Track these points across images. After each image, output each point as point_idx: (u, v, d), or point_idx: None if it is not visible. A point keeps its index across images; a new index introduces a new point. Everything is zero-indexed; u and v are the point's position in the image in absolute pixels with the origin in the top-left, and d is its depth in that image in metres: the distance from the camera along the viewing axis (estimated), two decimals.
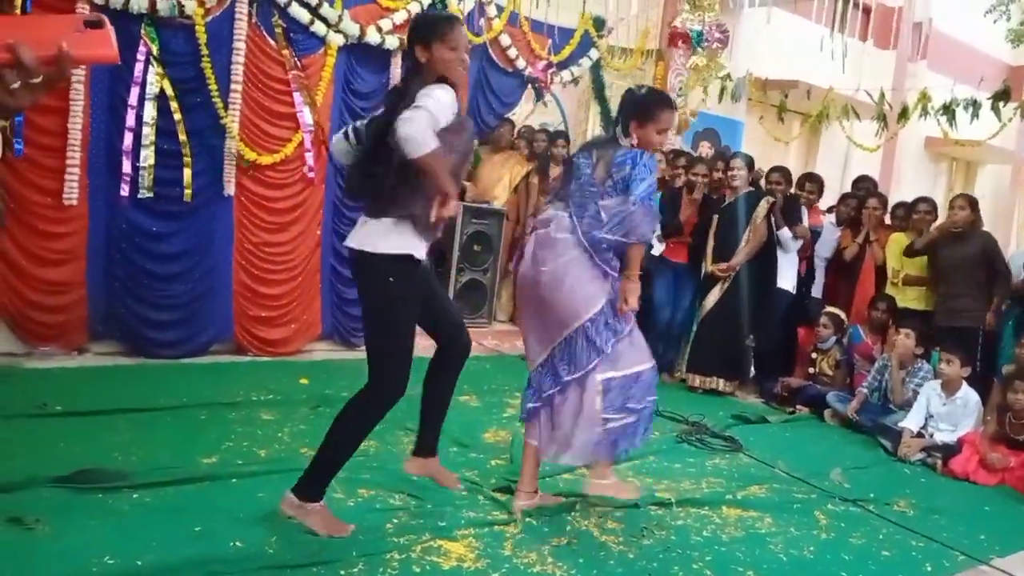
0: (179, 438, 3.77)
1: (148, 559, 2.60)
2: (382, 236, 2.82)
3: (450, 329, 3.17)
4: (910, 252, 5.87)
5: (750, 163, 6.15)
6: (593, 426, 3.22)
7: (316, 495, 2.91)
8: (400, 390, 2.90)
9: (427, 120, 2.61)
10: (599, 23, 7.19)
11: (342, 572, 2.67)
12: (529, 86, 6.81)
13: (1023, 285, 5.49)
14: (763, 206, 5.98)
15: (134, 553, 2.62)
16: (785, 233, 6.01)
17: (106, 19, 1.27)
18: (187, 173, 5.10)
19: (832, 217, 6.70)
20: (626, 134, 3.32)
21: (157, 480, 3.21)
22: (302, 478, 2.91)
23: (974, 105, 6.51)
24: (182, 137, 5.04)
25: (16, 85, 1.11)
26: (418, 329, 3.00)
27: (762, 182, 6.40)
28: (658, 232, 5.96)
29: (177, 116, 5.03)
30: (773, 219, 5.99)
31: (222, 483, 3.29)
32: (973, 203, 5.80)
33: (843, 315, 6.05)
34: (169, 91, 4.97)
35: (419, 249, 2.85)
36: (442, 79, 2.80)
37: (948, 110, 6.63)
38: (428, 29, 2.86)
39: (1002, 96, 6.39)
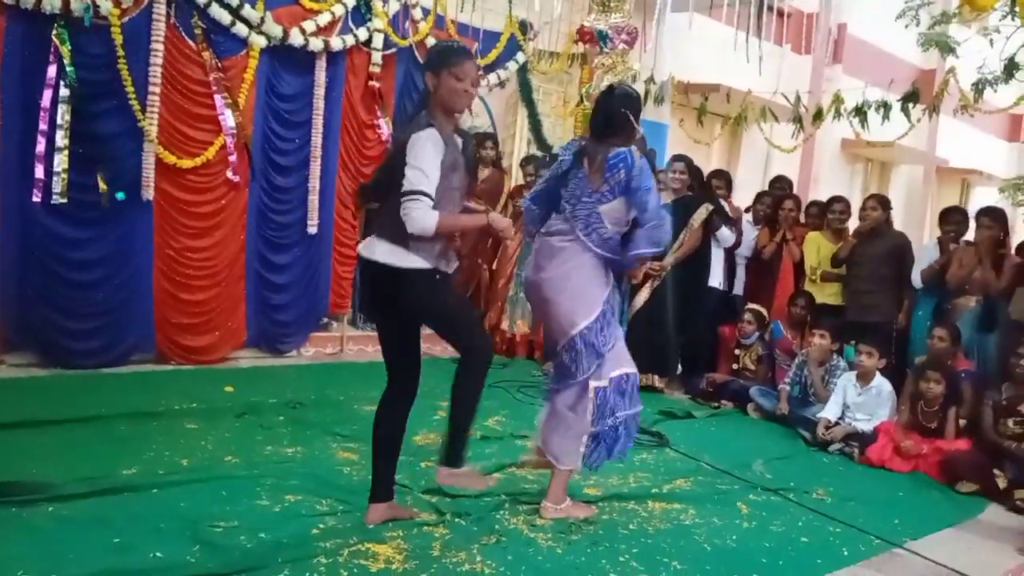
0: (99, 449, 3.67)
1: (64, 572, 2.53)
2: (405, 256, 2.93)
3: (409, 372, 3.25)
4: (836, 262, 6.06)
5: (691, 166, 6.27)
6: (581, 433, 3.39)
7: (459, 461, 3.01)
8: (489, 344, 3.09)
9: (420, 205, 2.83)
10: (525, 27, 7.26)
11: None
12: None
13: (931, 274, 5.71)
14: (702, 212, 6.11)
15: (50, 567, 2.55)
16: (724, 232, 6.21)
17: None
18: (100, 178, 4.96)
19: (750, 216, 6.88)
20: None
21: (75, 492, 3.12)
22: (446, 450, 3.01)
23: (884, 107, 6.75)
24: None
25: None
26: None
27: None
28: None
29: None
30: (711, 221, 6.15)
31: (143, 494, 3.22)
32: (884, 203, 6.05)
33: (764, 311, 6.23)
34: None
35: (429, 260, 2.97)
36: (445, 106, 2.99)
37: (860, 112, 6.86)
38: (439, 58, 3.01)
39: (911, 98, 6.63)
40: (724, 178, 6.84)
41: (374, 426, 3.16)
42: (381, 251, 2.95)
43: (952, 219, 5.86)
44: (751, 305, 6.25)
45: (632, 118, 3.44)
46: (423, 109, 3.03)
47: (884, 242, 5.89)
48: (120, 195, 5.00)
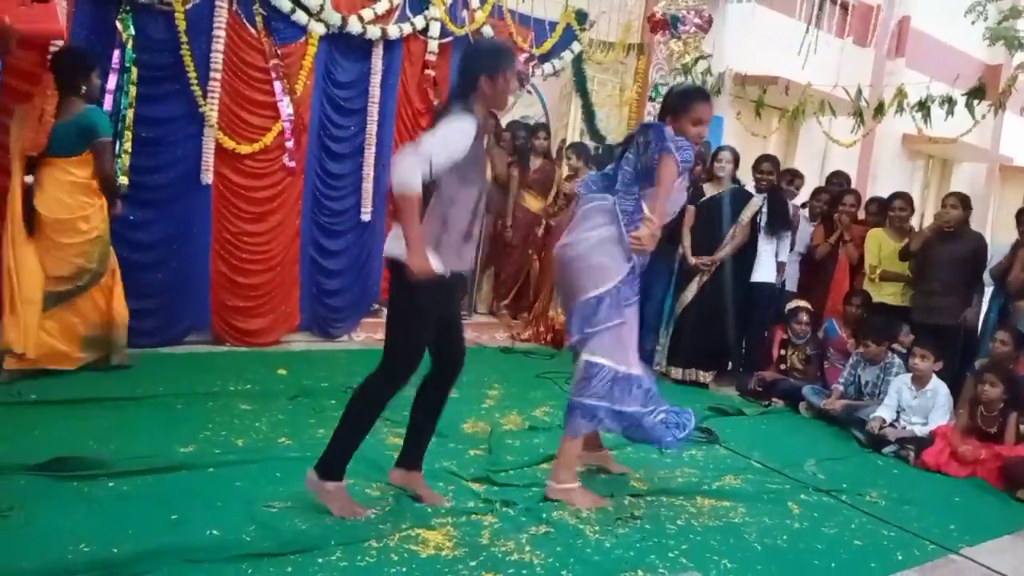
0: (156, 427, 3.75)
1: (124, 547, 2.59)
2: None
3: (452, 355, 3.26)
4: (905, 255, 5.87)
5: (736, 157, 6.18)
6: (572, 393, 3.47)
7: (333, 474, 3.01)
8: (407, 378, 3.07)
9: (417, 162, 2.81)
10: (581, 16, 7.21)
11: (320, 560, 2.67)
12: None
13: (999, 272, 5.54)
14: (752, 206, 6.02)
15: (110, 541, 2.62)
16: (786, 244, 6.18)
17: None
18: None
19: (806, 212, 6.76)
20: None
21: (134, 468, 3.20)
22: (321, 456, 3.03)
23: (949, 102, 6.57)
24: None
25: None
26: None
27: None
28: None
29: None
30: (762, 221, 6.05)
31: (199, 472, 3.28)
32: (965, 202, 5.80)
33: (811, 309, 6.10)
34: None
35: (438, 265, 2.96)
36: (492, 106, 3.11)
37: (923, 107, 6.69)
38: (498, 60, 3.05)
39: (976, 93, 6.46)
40: (800, 178, 6.70)
41: (415, 398, 3.26)
42: (392, 243, 3.00)
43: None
44: (803, 303, 6.11)
45: (671, 116, 3.48)
46: (461, 102, 3.02)
47: (963, 243, 5.68)
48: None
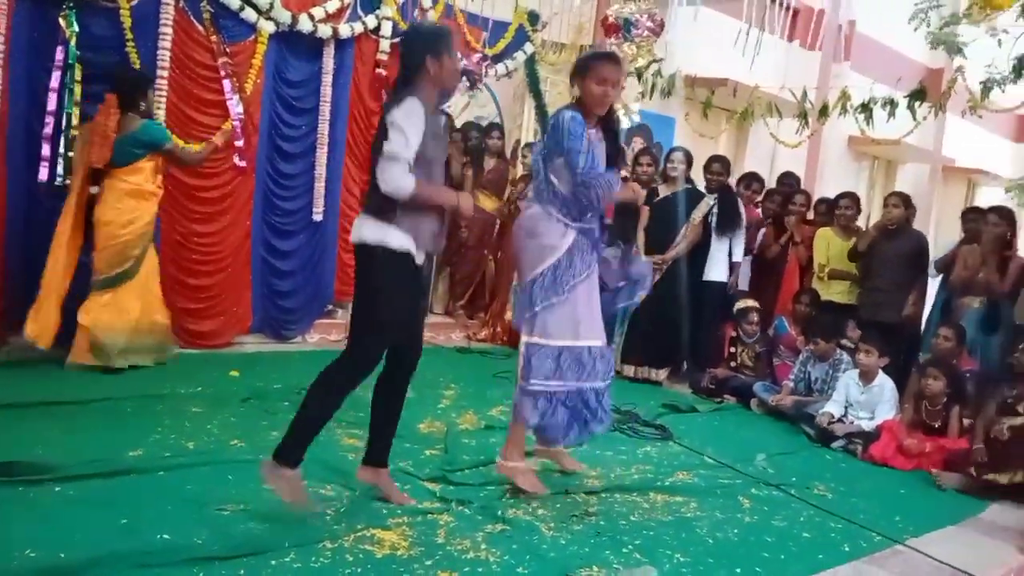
0: (105, 431, 3.68)
1: (72, 553, 2.54)
2: (381, 231, 2.98)
3: (410, 352, 3.24)
4: (854, 255, 6.00)
5: (689, 158, 6.26)
6: (519, 381, 3.46)
7: (290, 460, 2.99)
8: (371, 366, 3.06)
9: (397, 166, 2.89)
10: (533, 18, 7.25)
11: (273, 562, 2.64)
12: (463, 78, 6.81)
13: (943, 266, 5.71)
14: (703, 207, 6.10)
15: (57, 546, 2.56)
16: (740, 244, 6.25)
17: None
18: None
19: (759, 211, 6.87)
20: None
21: (82, 473, 3.14)
22: (280, 441, 3.01)
23: (891, 104, 6.75)
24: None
25: None
26: None
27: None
28: None
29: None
30: (713, 221, 6.13)
31: (149, 475, 3.23)
32: (907, 201, 5.97)
33: (758, 307, 6.20)
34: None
35: (410, 246, 3.00)
36: (443, 86, 3.13)
37: (866, 109, 6.86)
38: (440, 39, 3.09)
39: (918, 95, 6.63)
40: (760, 181, 6.79)
41: (373, 394, 3.27)
42: (361, 229, 3.03)
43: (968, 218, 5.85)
44: (752, 303, 6.21)
45: (578, 77, 3.45)
46: (406, 87, 3.04)
47: (905, 241, 5.85)
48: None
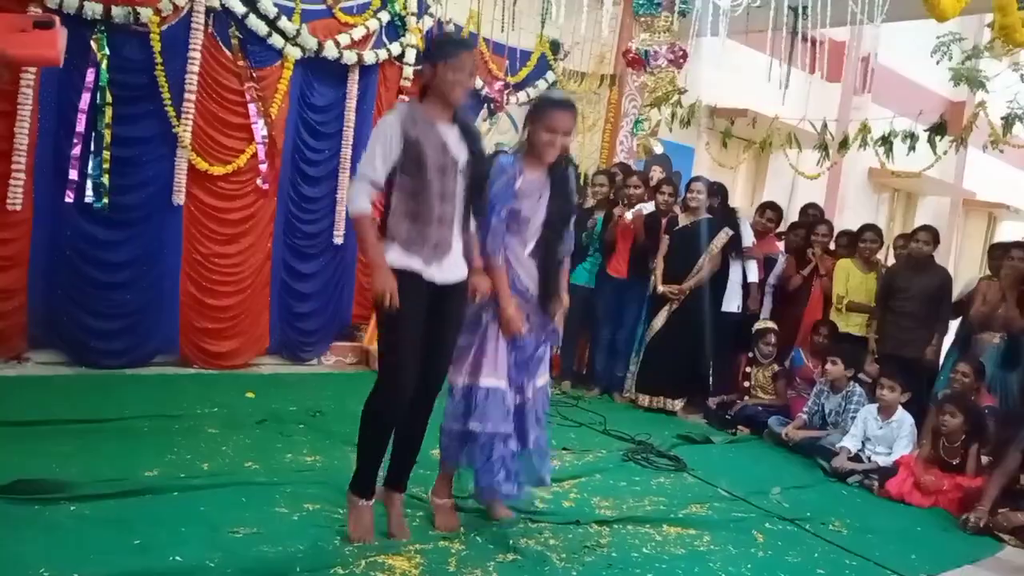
0: (120, 450, 3.70)
1: (85, 571, 2.55)
2: (387, 250, 2.98)
3: (426, 378, 3.11)
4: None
5: (711, 188, 6.25)
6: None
7: (360, 491, 3.07)
8: (392, 395, 3.01)
9: (356, 183, 2.94)
10: (555, 47, 7.32)
11: None
12: (484, 105, 6.88)
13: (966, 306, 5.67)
14: (722, 237, 6.10)
15: (71, 566, 2.58)
16: (751, 265, 6.22)
17: (57, 20, 1.21)
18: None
19: (781, 244, 6.86)
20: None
21: (97, 492, 3.15)
22: (353, 472, 3.09)
23: (911, 137, 6.76)
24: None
25: None
26: None
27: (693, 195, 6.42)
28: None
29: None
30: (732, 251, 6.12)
31: (163, 496, 3.24)
32: (937, 237, 5.93)
33: (775, 328, 6.18)
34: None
35: (413, 263, 2.96)
36: (443, 98, 3.00)
37: (886, 141, 6.87)
38: (437, 50, 3.05)
39: (938, 129, 6.65)
40: (776, 211, 6.72)
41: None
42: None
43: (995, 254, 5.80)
44: (770, 324, 6.19)
45: (529, 120, 3.30)
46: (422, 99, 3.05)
47: (932, 277, 5.81)
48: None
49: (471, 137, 3.10)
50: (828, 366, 5.47)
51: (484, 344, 3.28)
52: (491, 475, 3.26)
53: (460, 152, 3.04)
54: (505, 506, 3.50)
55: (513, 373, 3.34)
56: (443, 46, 3.07)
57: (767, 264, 6.51)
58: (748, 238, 6.26)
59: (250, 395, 4.97)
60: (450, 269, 3.07)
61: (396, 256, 2.96)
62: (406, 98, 6.25)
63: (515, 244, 3.31)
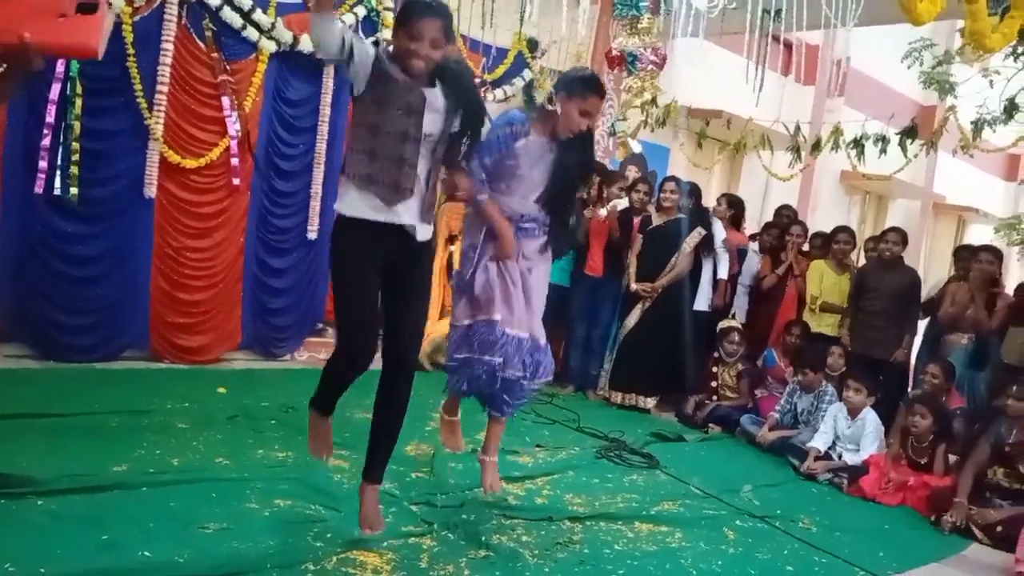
0: (89, 445, 3.65)
1: (52, 568, 2.52)
2: (341, 193, 2.86)
3: (389, 344, 2.95)
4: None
5: (686, 188, 6.29)
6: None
7: (316, 406, 3.11)
8: (343, 355, 2.90)
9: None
10: (533, 45, 7.31)
11: None
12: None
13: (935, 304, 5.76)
14: (695, 236, 6.14)
15: (38, 562, 2.54)
16: (723, 261, 6.25)
17: (103, 2, 1.10)
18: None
19: (755, 245, 6.92)
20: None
21: (64, 487, 3.11)
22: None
23: (882, 140, 6.84)
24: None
25: None
26: None
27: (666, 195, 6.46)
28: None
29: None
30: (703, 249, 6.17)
31: (133, 491, 3.20)
32: (905, 239, 6.04)
33: (739, 328, 6.24)
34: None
35: (357, 209, 2.79)
36: (401, 65, 2.78)
37: (858, 144, 6.96)
38: (399, 15, 2.82)
39: (909, 133, 6.74)
40: (736, 205, 6.79)
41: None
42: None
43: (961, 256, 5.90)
44: (734, 324, 6.26)
45: (565, 94, 3.28)
46: None
47: (901, 277, 5.90)
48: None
49: (457, 83, 2.88)
50: (800, 377, 5.50)
51: (476, 280, 3.31)
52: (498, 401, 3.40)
53: (434, 111, 2.83)
54: (498, 476, 3.59)
55: (504, 307, 3.32)
56: (404, 10, 2.78)
57: (740, 256, 6.54)
58: (720, 235, 6.30)
59: (222, 390, 4.93)
60: (414, 217, 2.85)
61: (350, 201, 2.80)
62: None
63: (504, 199, 3.30)
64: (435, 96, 2.85)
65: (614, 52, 7.14)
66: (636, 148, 7.93)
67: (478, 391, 3.42)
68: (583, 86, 3.25)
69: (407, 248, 2.87)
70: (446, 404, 3.69)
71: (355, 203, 2.79)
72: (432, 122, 2.84)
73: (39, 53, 1.01)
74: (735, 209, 6.77)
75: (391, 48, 2.86)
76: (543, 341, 3.42)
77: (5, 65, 0.99)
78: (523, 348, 3.32)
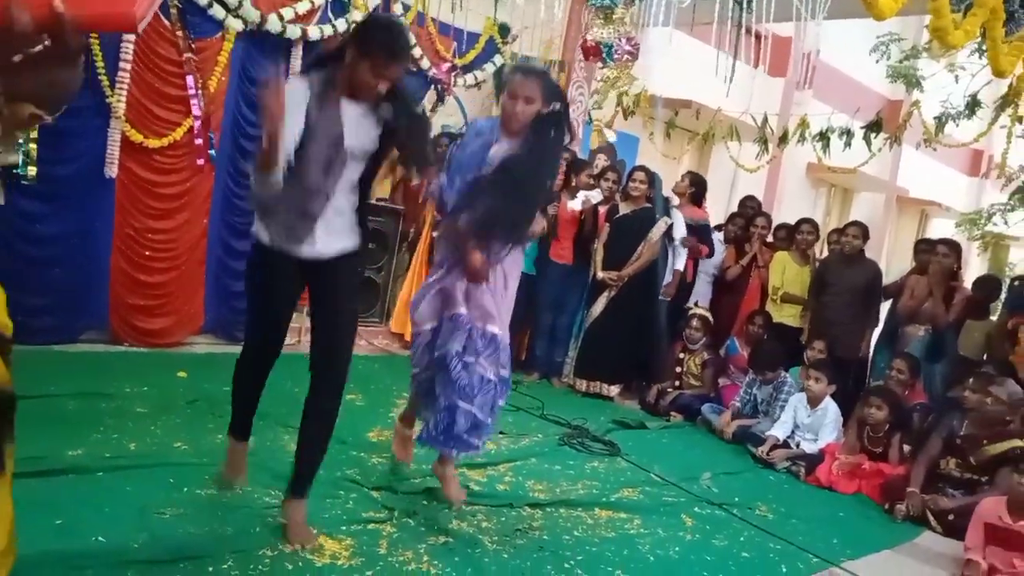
0: (44, 428, 3.58)
1: None
2: None
3: (314, 355, 2.95)
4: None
5: (651, 177, 6.31)
6: None
7: (231, 431, 3.27)
8: (245, 352, 3.20)
9: None
10: (504, 30, 7.28)
11: (211, 568, 2.62)
12: (432, 87, 6.82)
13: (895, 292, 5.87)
14: (661, 226, 6.16)
15: None
16: (682, 254, 6.26)
17: None
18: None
19: (720, 235, 6.97)
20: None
21: (18, 471, 3.00)
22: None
23: (847, 134, 6.93)
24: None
25: (18, 58, 0.89)
26: None
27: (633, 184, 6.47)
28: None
29: None
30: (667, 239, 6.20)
31: (88, 476, 3.17)
32: (866, 233, 6.12)
33: (709, 316, 6.29)
34: None
35: (262, 234, 2.88)
36: (350, 86, 2.80)
37: (823, 137, 7.04)
38: (361, 36, 2.78)
39: (874, 127, 6.82)
40: (697, 184, 6.75)
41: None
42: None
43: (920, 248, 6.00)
44: (698, 311, 6.31)
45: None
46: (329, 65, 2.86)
47: (862, 271, 5.98)
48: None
49: (399, 105, 2.85)
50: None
51: (428, 298, 3.37)
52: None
53: (361, 134, 2.84)
54: (462, 489, 3.54)
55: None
56: (375, 43, 2.72)
57: (699, 231, 6.50)
58: (680, 229, 6.32)
59: (182, 375, 4.88)
60: (323, 242, 2.84)
61: (256, 225, 2.92)
62: None
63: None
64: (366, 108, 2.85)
65: (590, 43, 7.14)
66: (611, 137, 7.95)
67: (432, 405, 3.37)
68: (507, 75, 3.27)
69: (323, 260, 2.89)
70: (404, 413, 3.70)
71: (258, 227, 2.92)
72: (354, 135, 2.84)
73: (74, 26, 0.93)
74: (696, 187, 6.77)
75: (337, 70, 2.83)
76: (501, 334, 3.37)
77: (48, 42, 0.90)
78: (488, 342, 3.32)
